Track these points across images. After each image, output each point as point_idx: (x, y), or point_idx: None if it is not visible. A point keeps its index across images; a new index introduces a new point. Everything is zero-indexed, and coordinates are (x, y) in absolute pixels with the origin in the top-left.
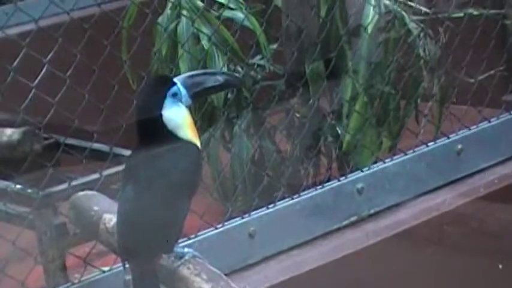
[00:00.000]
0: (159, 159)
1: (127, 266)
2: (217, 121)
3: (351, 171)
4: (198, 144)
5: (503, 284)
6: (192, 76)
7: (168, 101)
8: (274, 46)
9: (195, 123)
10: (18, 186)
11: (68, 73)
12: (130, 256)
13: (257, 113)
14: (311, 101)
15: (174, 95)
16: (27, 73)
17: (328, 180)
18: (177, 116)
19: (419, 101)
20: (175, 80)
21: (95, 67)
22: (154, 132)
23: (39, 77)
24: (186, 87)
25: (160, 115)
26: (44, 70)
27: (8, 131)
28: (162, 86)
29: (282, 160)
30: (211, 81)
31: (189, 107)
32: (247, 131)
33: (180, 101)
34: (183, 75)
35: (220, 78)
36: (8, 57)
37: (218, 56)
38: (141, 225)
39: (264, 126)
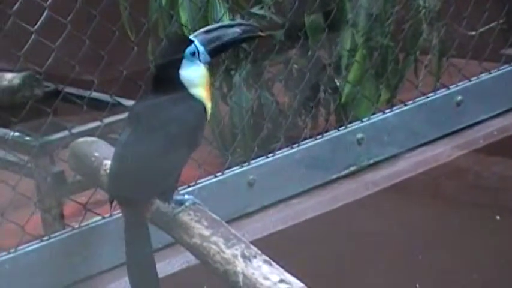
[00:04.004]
0: (163, 109)
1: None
2: (216, 71)
3: (349, 123)
4: (209, 105)
5: (501, 235)
6: (208, 31)
7: (186, 61)
8: None
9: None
10: (16, 133)
11: (69, 18)
12: (118, 201)
13: (256, 64)
14: (310, 52)
15: (193, 54)
16: (28, 18)
17: (326, 132)
18: (195, 75)
19: (418, 53)
20: (192, 37)
21: (95, 13)
22: (169, 90)
23: (39, 22)
24: (204, 44)
25: (178, 75)
26: (44, 15)
27: (9, 76)
28: (179, 47)
29: (280, 111)
30: (228, 35)
31: (209, 64)
32: (246, 82)
33: (199, 59)
34: (199, 32)
35: (238, 30)
36: (8, 1)
37: (219, 3)
38: (131, 171)
39: (262, 78)
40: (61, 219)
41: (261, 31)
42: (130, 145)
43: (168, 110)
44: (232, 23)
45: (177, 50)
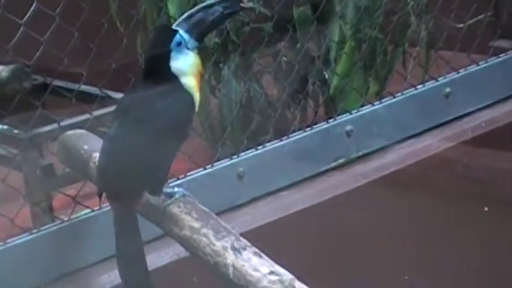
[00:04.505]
0: (150, 101)
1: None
2: (205, 64)
3: (338, 115)
4: (197, 96)
5: (489, 226)
6: (190, 16)
7: (174, 53)
8: None
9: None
10: (5, 126)
11: (57, 11)
12: (108, 194)
13: (244, 56)
14: (299, 44)
15: (179, 44)
16: (16, 10)
17: (315, 124)
18: (185, 65)
19: (406, 45)
20: (174, 27)
21: (84, 5)
22: (160, 82)
23: (28, 14)
24: (188, 31)
25: (169, 68)
26: (33, 7)
27: None
28: (164, 40)
29: (270, 104)
30: (211, 15)
31: (198, 49)
32: (235, 75)
33: (186, 47)
34: (181, 19)
35: (220, 8)
36: None
37: None
38: (120, 164)
39: (251, 70)
40: (50, 212)
41: (242, 3)
42: (119, 138)
43: (155, 102)
44: (212, 2)
45: (163, 44)
